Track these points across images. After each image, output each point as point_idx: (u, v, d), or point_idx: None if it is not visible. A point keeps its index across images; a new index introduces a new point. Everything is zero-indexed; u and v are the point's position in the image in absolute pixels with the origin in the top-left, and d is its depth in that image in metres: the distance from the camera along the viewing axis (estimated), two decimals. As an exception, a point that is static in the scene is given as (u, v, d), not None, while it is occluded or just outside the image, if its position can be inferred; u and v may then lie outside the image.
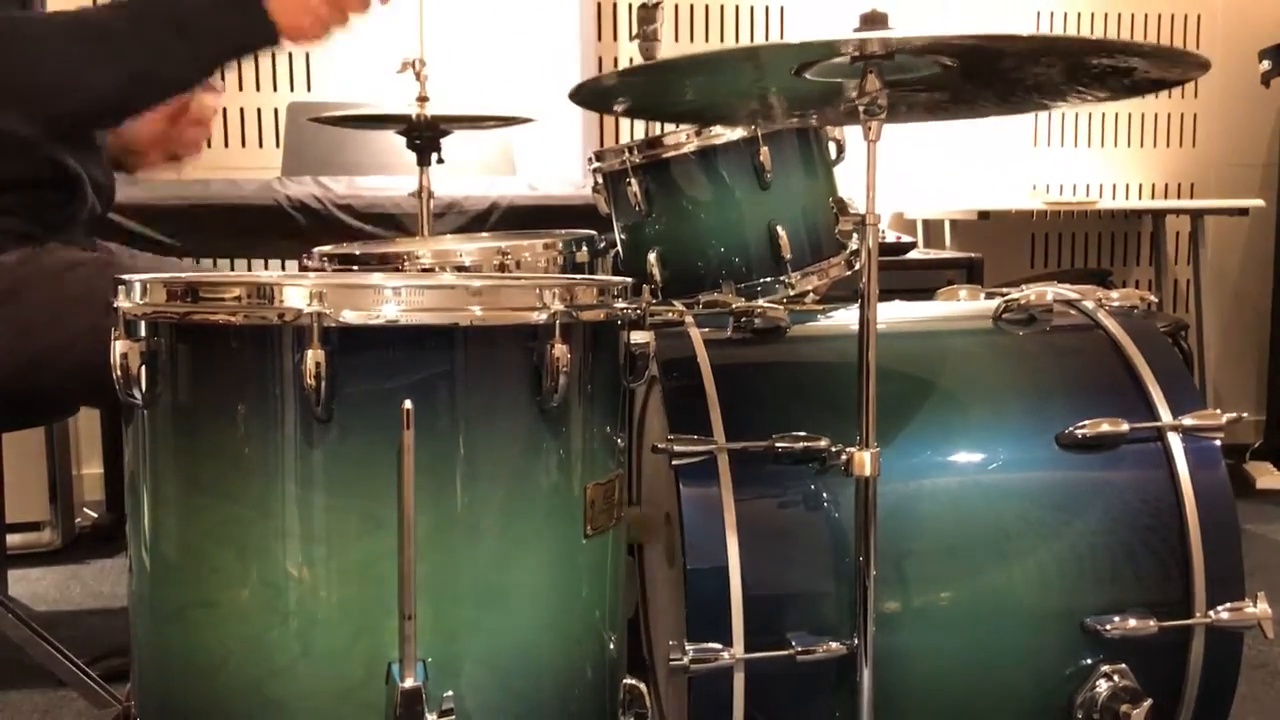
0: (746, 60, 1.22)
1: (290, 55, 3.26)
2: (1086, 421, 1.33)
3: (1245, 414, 1.44)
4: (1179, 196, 3.85)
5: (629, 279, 1.17)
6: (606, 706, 1.16)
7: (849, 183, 1.70)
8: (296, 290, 0.99)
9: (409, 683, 0.98)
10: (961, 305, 1.63)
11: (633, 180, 1.74)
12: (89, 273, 1.55)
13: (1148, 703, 1.27)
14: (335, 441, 1.00)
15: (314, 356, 0.97)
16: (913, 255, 3.01)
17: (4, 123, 1.48)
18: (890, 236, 2.94)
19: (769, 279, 1.73)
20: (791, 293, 1.72)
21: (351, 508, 1.01)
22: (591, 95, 1.29)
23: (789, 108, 1.45)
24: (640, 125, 3.46)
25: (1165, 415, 1.36)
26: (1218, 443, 1.36)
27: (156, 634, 1.09)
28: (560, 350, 1.03)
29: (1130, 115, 3.80)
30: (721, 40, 3.51)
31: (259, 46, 1.52)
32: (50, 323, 1.51)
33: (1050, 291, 1.49)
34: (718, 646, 1.23)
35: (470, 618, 1.04)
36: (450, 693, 1.02)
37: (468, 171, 2.66)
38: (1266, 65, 3.40)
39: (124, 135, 1.82)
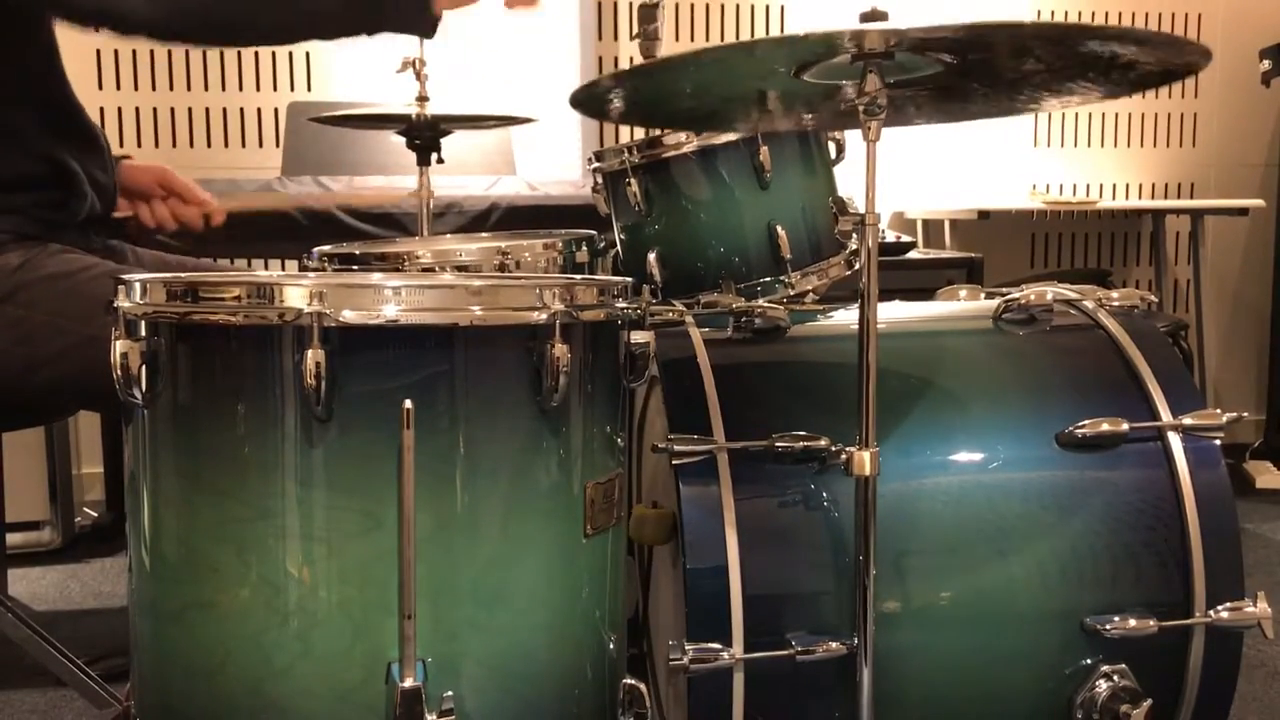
0: (744, 56, 1.21)
1: (290, 55, 3.26)
2: (1086, 421, 1.33)
3: (1245, 414, 1.45)
4: (1179, 196, 3.85)
5: (629, 279, 1.17)
6: (606, 706, 1.16)
7: (849, 183, 1.70)
8: (296, 290, 0.99)
9: (409, 683, 0.98)
10: (961, 305, 1.63)
11: (632, 180, 1.73)
12: (91, 278, 1.55)
13: (1148, 703, 1.27)
14: (335, 441, 1.00)
15: (314, 356, 0.97)
16: (913, 255, 3.01)
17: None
18: (890, 236, 2.94)
19: (769, 279, 1.72)
20: (791, 293, 1.72)
21: (351, 507, 1.01)
22: (589, 100, 1.29)
23: (789, 109, 1.44)
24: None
25: (1165, 415, 1.36)
26: (1218, 442, 1.36)
27: (156, 634, 1.09)
28: (560, 350, 1.03)
29: (1130, 115, 3.80)
30: (722, 39, 3.51)
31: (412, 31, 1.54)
32: (50, 329, 1.51)
33: (1050, 291, 1.49)
34: (717, 646, 1.23)
35: (470, 618, 1.04)
36: (450, 693, 1.02)
37: (468, 171, 2.66)
38: (1266, 65, 3.39)
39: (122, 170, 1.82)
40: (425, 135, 2.14)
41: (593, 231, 1.86)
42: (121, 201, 1.83)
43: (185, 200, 1.86)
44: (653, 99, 1.35)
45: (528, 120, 2.29)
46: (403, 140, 2.16)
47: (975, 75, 1.21)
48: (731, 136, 1.71)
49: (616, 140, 3.45)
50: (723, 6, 3.51)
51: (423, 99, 2.09)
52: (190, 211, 1.86)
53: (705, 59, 1.18)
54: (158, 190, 1.85)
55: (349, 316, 0.98)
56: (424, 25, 1.55)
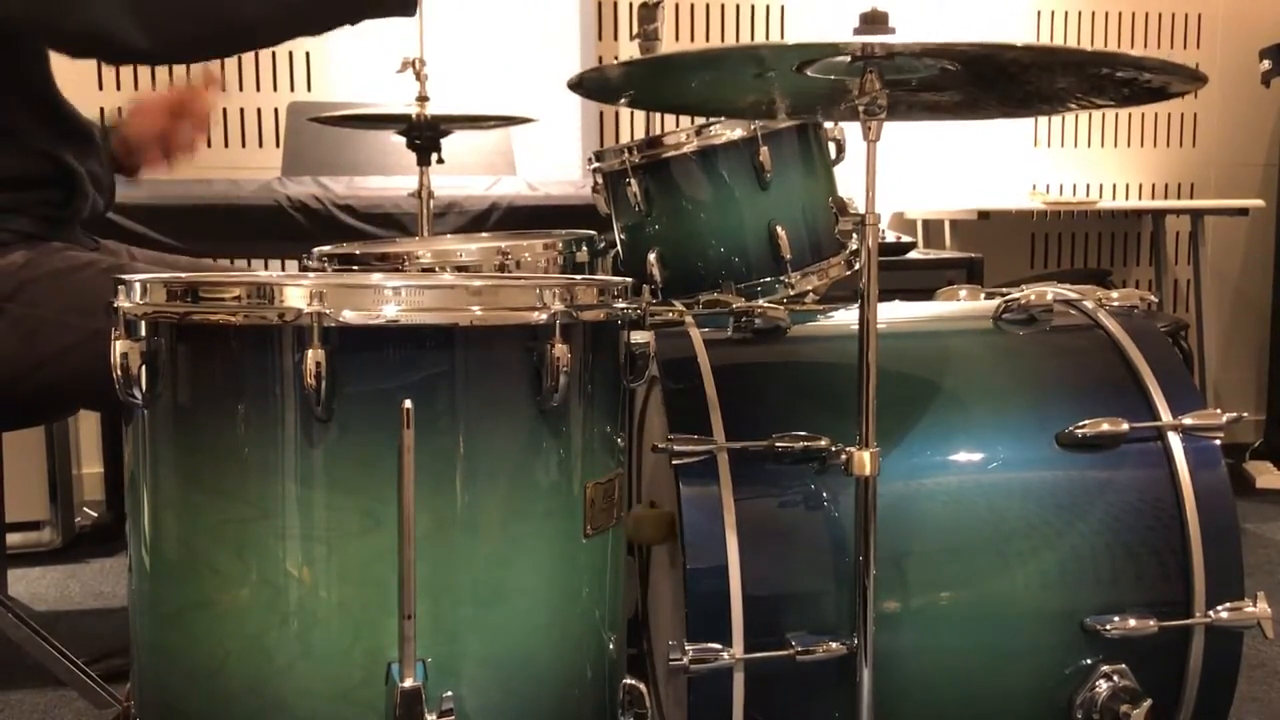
0: (749, 58, 1.22)
1: (290, 55, 3.26)
2: (1086, 421, 1.33)
3: (1245, 414, 1.44)
4: (1179, 196, 3.85)
5: (629, 279, 1.17)
6: (606, 706, 1.16)
7: (849, 183, 1.70)
8: (296, 290, 0.99)
9: (409, 683, 0.98)
10: (961, 305, 1.63)
11: (632, 180, 1.73)
12: (93, 275, 1.55)
13: (1148, 703, 1.27)
14: (335, 441, 1.00)
15: (314, 356, 0.97)
16: (913, 255, 3.01)
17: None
18: (890, 236, 2.94)
19: (769, 279, 1.72)
20: (791, 293, 1.72)
21: (351, 507, 1.01)
22: (594, 86, 1.29)
23: (791, 104, 1.45)
24: (640, 125, 3.46)
25: (1165, 415, 1.36)
26: (1218, 442, 1.36)
27: (156, 634, 1.09)
28: (560, 350, 1.03)
29: (1130, 115, 3.80)
30: (722, 39, 3.51)
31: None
32: (54, 327, 1.51)
33: (1050, 291, 1.49)
34: (717, 646, 1.23)
35: (470, 617, 1.04)
36: (450, 693, 1.02)
37: (468, 171, 2.66)
38: (1266, 65, 3.39)
39: (124, 132, 1.81)
40: (425, 135, 2.14)
41: (593, 231, 1.86)
42: (150, 154, 1.81)
43: (196, 117, 1.82)
44: (657, 88, 1.35)
45: (528, 120, 2.29)
46: (403, 140, 2.16)
47: (977, 81, 1.21)
48: (732, 137, 1.71)
49: (616, 140, 3.45)
50: (723, 6, 3.51)
51: (423, 99, 2.09)
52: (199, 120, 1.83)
53: (708, 58, 1.18)
54: (162, 121, 1.82)
55: (349, 316, 0.98)
56: (404, 3, 1.54)
